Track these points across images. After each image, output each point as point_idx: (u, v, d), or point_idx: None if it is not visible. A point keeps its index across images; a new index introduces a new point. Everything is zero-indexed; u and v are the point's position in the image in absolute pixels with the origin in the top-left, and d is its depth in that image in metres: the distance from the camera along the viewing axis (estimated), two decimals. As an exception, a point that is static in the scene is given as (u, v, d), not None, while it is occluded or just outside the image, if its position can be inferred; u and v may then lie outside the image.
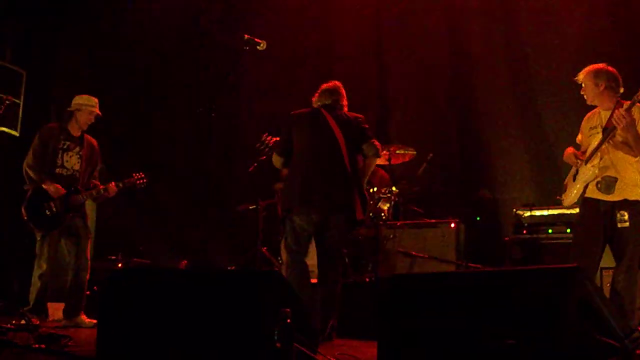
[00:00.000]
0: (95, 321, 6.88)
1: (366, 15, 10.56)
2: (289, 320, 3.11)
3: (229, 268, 8.76)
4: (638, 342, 3.24)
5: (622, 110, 5.34)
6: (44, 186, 6.96)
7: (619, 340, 3.13)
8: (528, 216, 7.57)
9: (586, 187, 5.65)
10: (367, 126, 6.25)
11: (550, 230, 7.39)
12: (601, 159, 5.56)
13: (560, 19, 9.16)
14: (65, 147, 7.17)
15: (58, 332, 5.67)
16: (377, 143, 6.24)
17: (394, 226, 7.91)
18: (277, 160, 6.32)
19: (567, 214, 7.22)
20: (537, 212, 7.55)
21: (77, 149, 7.25)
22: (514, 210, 7.72)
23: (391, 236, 7.80)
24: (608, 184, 5.51)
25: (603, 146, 5.54)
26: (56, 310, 7.41)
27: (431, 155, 8.73)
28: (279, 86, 10.13)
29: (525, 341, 3.04)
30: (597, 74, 5.66)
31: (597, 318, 3.13)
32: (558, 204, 6.65)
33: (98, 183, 7.35)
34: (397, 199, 8.44)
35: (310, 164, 6.02)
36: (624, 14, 8.76)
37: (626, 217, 5.43)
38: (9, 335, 4.97)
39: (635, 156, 5.42)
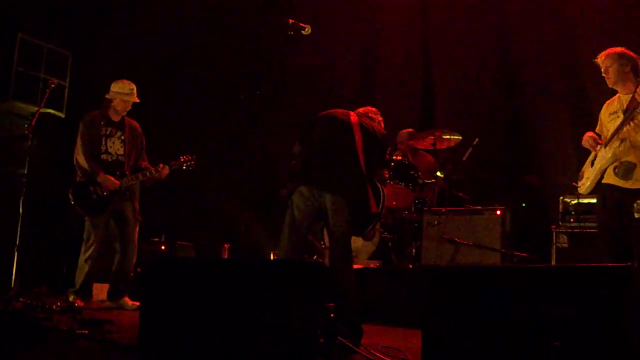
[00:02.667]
0: (138, 304, 6.96)
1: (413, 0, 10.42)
2: (332, 315, 3.07)
3: (271, 252, 8.74)
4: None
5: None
6: (98, 179, 7.02)
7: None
8: (575, 204, 7.42)
9: (604, 173, 5.48)
10: (385, 145, 6.13)
11: (597, 219, 7.21)
12: (622, 141, 5.38)
13: (611, 4, 8.95)
14: (107, 133, 7.24)
15: (102, 315, 5.73)
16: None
17: (439, 212, 7.82)
18: (297, 149, 6.26)
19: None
20: (585, 200, 7.37)
21: (119, 133, 7.31)
22: (561, 197, 7.57)
23: (435, 222, 7.71)
24: (626, 169, 5.30)
25: (624, 129, 5.36)
26: (100, 290, 7.48)
27: (477, 140, 8.58)
28: (323, 72, 10.07)
29: (576, 342, 2.96)
30: (622, 55, 5.55)
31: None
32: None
33: (148, 165, 7.38)
34: (442, 185, 8.36)
35: (318, 150, 5.88)
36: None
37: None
38: (54, 319, 5.01)
39: None
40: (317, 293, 3.40)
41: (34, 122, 7.22)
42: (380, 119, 6.29)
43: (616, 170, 5.36)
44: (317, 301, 3.20)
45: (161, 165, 7.32)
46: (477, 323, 3.40)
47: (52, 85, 7.54)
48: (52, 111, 9.05)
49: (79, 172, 7.15)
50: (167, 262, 4.70)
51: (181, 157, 7.45)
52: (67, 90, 9.69)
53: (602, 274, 3.09)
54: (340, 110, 6.05)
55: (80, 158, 7.11)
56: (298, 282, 3.54)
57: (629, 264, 2.99)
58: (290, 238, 5.76)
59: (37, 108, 7.53)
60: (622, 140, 5.36)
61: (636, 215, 5.23)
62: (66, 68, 9.76)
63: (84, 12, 10.08)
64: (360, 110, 6.24)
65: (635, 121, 5.30)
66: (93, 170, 7.04)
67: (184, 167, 7.45)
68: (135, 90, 7.36)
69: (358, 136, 5.77)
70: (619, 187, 5.36)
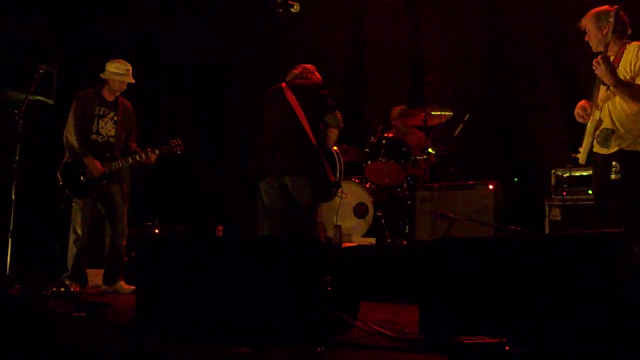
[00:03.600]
0: (134, 287, 6.96)
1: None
2: (329, 288, 3.07)
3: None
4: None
5: (598, 57, 5.11)
6: (84, 161, 6.99)
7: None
8: (567, 177, 7.41)
9: (592, 142, 5.42)
10: (326, 93, 6.26)
11: (590, 191, 7.16)
12: (601, 110, 5.32)
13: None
14: (101, 112, 7.19)
15: (97, 299, 5.74)
16: (338, 114, 6.29)
17: (431, 188, 7.86)
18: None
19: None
20: (577, 173, 7.36)
21: (112, 114, 7.26)
22: (553, 170, 7.54)
23: (428, 198, 7.74)
24: (605, 137, 5.18)
25: (604, 96, 5.28)
26: (95, 276, 7.50)
27: (468, 115, 8.60)
28: (310, 50, 10.03)
29: (572, 309, 2.98)
30: (599, 16, 5.29)
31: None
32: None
33: (137, 148, 7.36)
34: (434, 161, 8.39)
35: (268, 137, 6.15)
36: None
37: (616, 169, 5.12)
38: (49, 303, 5.01)
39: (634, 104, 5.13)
40: (313, 266, 3.41)
41: (23, 108, 7.20)
42: (319, 76, 6.45)
43: (597, 139, 5.30)
44: (314, 275, 3.21)
45: (149, 150, 7.29)
46: (473, 293, 3.42)
47: (41, 71, 7.48)
48: (41, 98, 9.01)
49: (67, 152, 7.10)
50: (163, 242, 4.71)
51: (171, 141, 7.41)
52: (55, 76, 9.64)
53: (593, 241, 3.12)
54: (273, 87, 6.30)
55: (70, 136, 7.05)
56: (294, 256, 3.55)
57: (619, 229, 2.99)
58: (269, 227, 6.01)
59: (25, 95, 7.47)
60: (601, 110, 5.32)
61: (612, 177, 5.16)
62: (54, 54, 9.71)
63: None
64: (295, 71, 6.44)
65: (611, 87, 5.25)
66: (81, 151, 6.99)
67: (174, 151, 7.41)
68: (130, 71, 7.30)
69: (296, 106, 6.04)
70: (602, 154, 5.31)
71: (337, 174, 6.20)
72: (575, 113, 5.57)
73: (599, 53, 5.29)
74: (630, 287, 2.96)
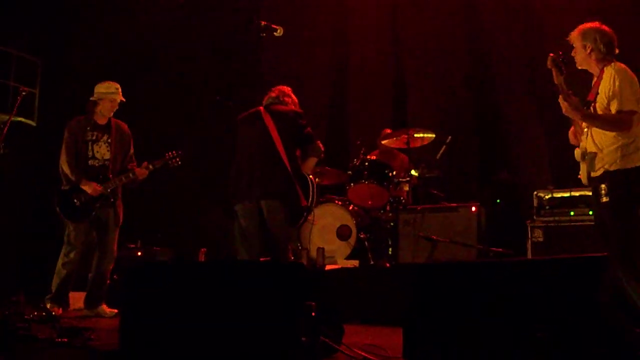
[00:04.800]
0: (116, 311, 6.95)
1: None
2: (313, 314, 3.08)
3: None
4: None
5: (560, 97, 5.18)
6: (81, 187, 6.97)
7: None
8: (549, 198, 7.46)
9: None
10: (304, 122, 6.39)
11: (572, 212, 7.26)
12: (586, 136, 5.35)
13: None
14: (94, 138, 7.17)
15: (79, 323, 5.69)
16: (320, 144, 6.46)
17: (414, 210, 7.88)
18: None
19: (588, 195, 7.05)
20: (558, 194, 7.42)
21: (106, 137, 7.23)
22: (535, 192, 7.57)
23: (411, 221, 7.76)
24: (590, 160, 5.23)
25: (582, 119, 5.29)
26: (77, 299, 7.42)
27: (450, 138, 8.67)
28: (295, 72, 10.08)
29: (557, 333, 3.00)
30: (584, 34, 5.30)
31: (630, 307, 3.07)
32: (580, 185, 6.46)
33: (135, 167, 7.32)
34: (416, 183, 8.42)
35: (244, 160, 6.29)
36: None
37: (604, 191, 5.13)
38: (32, 328, 4.98)
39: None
40: (297, 292, 3.41)
41: (5, 130, 7.17)
42: (295, 99, 6.63)
43: (586, 163, 5.36)
44: (298, 301, 3.21)
45: (144, 165, 7.25)
46: (458, 318, 3.43)
47: (23, 93, 7.47)
48: (23, 119, 8.98)
49: (63, 180, 7.09)
50: (146, 267, 4.70)
51: (167, 154, 7.35)
52: (37, 98, 9.62)
53: (579, 265, 3.14)
54: (252, 110, 6.40)
55: (64, 166, 7.05)
56: (278, 282, 3.55)
57: (605, 254, 3.01)
58: (246, 249, 6.10)
59: (7, 116, 7.44)
60: (587, 134, 5.37)
61: (603, 200, 5.19)
62: (36, 76, 9.70)
63: (53, 19, 10.02)
64: (272, 94, 6.54)
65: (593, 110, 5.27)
66: (76, 178, 6.98)
67: (170, 164, 7.35)
68: (120, 90, 7.28)
69: (274, 131, 6.17)
70: (593, 177, 5.35)
71: (310, 199, 6.28)
72: (570, 139, 5.63)
73: (583, 70, 5.41)
74: (614, 310, 2.99)
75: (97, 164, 7.14)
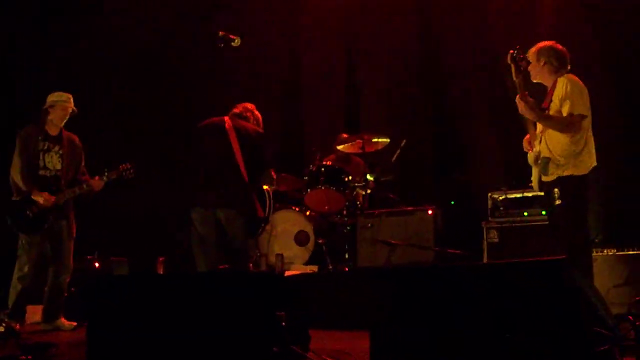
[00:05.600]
0: (75, 323, 6.90)
1: (335, 3, 10.50)
2: (283, 324, 3.11)
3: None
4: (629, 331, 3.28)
5: (517, 97, 5.44)
6: (33, 197, 6.87)
7: (610, 329, 3.18)
8: (503, 199, 7.59)
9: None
10: (265, 145, 6.54)
11: (525, 213, 7.41)
12: (540, 141, 5.61)
13: (532, 2, 9.20)
14: (45, 147, 7.08)
15: (40, 338, 5.66)
16: (272, 173, 6.61)
17: (372, 215, 7.97)
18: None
19: (541, 196, 7.19)
20: (512, 195, 7.56)
21: (57, 147, 7.14)
22: (489, 194, 7.70)
23: (369, 225, 7.85)
24: (544, 165, 5.53)
25: (541, 127, 5.58)
26: (34, 313, 7.33)
27: (404, 141, 8.77)
28: (248, 78, 10.10)
29: (517, 334, 3.07)
30: (540, 50, 5.64)
31: (587, 308, 3.17)
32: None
33: (88, 179, 7.26)
34: (373, 187, 8.50)
35: (203, 168, 6.33)
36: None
37: (557, 194, 5.44)
38: None
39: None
40: (267, 303, 3.45)
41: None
42: (258, 115, 6.75)
43: (539, 167, 5.59)
44: (268, 311, 3.25)
45: (95, 179, 7.19)
46: (423, 322, 3.50)
47: None
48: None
49: (14, 191, 6.99)
50: (112, 281, 4.69)
51: (120, 166, 7.29)
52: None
53: (537, 267, 3.24)
54: (215, 119, 6.45)
55: (15, 176, 6.94)
56: (248, 293, 3.58)
57: (562, 257, 3.11)
58: (204, 255, 6.15)
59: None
60: (540, 140, 5.60)
61: (556, 203, 5.46)
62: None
63: (21, 29, 9.92)
64: (236, 110, 6.61)
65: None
66: (27, 188, 6.89)
67: (123, 175, 7.31)
68: (71, 99, 7.22)
69: (235, 145, 6.30)
70: (546, 182, 5.59)
71: (266, 211, 6.36)
72: (524, 146, 5.85)
73: (537, 83, 5.72)
74: (573, 310, 3.08)
75: (48, 174, 7.06)
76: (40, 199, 6.87)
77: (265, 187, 6.52)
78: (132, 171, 7.33)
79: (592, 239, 6.64)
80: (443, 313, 3.40)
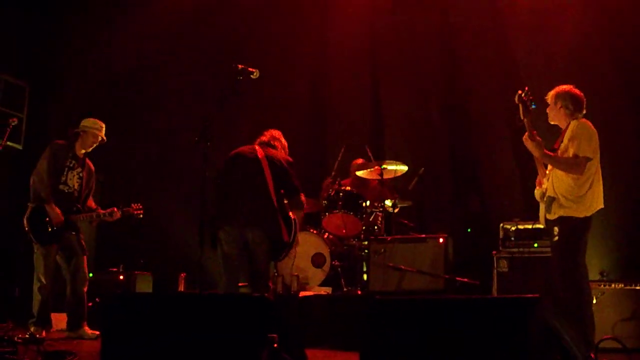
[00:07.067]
0: (98, 332, 7.13)
1: (360, 34, 10.74)
2: (275, 345, 3.37)
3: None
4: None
5: (524, 135, 5.71)
6: (46, 207, 7.15)
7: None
8: (514, 230, 7.76)
9: None
10: (293, 172, 6.72)
11: (535, 244, 7.59)
12: (548, 179, 5.85)
13: (550, 35, 9.36)
14: (71, 165, 7.42)
15: (63, 345, 5.92)
16: (302, 197, 6.80)
17: (384, 241, 8.15)
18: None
19: (549, 229, 7.41)
20: (523, 226, 7.74)
21: (79, 169, 7.50)
22: (501, 224, 7.88)
23: (382, 250, 8.01)
24: (548, 204, 5.80)
25: (550, 167, 5.85)
26: (60, 321, 7.60)
27: (423, 169, 8.99)
28: (274, 111, 10.34)
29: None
30: (558, 94, 5.92)
31: (558, 343, 3.39)
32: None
33: (97, 207, 7.63)
34: (389, 213, 8.70)
35: (234, 189, 6.52)
36: (612, 28, 8.96)
37: (556, 232, 5.70)
38: (18, 352, 5.18)
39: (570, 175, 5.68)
40: (260, 325, 3.70)
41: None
42: (284, 142, 6.97)
43: (544, 205, 5.83)
44: (261, 333, 3.49)
45: (115, 209, 7.53)
46: (407, 350, 3.73)
47: (13, 124, 7.45)
48: (9, 143, 9.17)
49: (31, 195, 7.28)
50: (123, 297, 4.96)
51: (133, 205, 7.69)
52: (24, 122, 9.84)
53: (511, 304, 3.47)
54: (247, 148, 6.69)
55: (40, 182, 7.22)
56: (242, 316, 3.85)
57: (536, 295, 3.34)
58: (226, 274, 6.36)
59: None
60: (548, 179, 5.83)
61: (554, 239, 5.70)
62: (24, 100, 9.90)
63: (42, 44, 10.24)
64: (264, 138, 6.84)
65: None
66: (47, 198, 7.16)
67: (134, 214, 7.70)
68: (104, 129, 7.57)
69: (267, 173, 6.45)
70: (549, 219, 5.81)
71: (292, 236, 6.55)
72: (537, 184, 6.12)
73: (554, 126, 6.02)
74: (544, 348, 3.31)
75: (66, 190, 7.38)
76: (52, 213, 7.15)
77: (291, 214, 6.71)
78: (141, 212, 7.74)
79: (595, 274, 6.82)
80: (423, 343, 3.64)
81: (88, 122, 7.53)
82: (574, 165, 5.64)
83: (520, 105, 5.78)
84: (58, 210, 7.19)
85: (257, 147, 6.71)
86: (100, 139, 7.55)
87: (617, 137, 8.13)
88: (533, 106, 5.71)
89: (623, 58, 8.82)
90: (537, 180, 6.08)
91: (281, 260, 6.79)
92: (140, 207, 7.73)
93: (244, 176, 6.54)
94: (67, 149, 7.45)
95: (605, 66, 8.84)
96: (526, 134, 5.74)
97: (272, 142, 6.86)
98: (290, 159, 6.81)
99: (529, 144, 5.74)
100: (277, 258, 6.71)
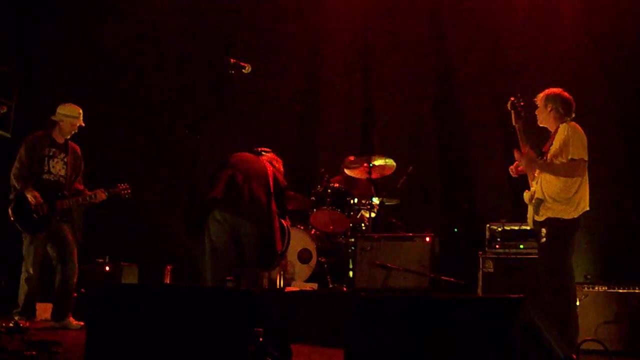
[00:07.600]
0: (82, 323, 7.13)
1: (352, 31, 10.76)
2: (261, 339, 3.38)
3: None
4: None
5: (516, 155, 5.85)
6: (25, 193, 7.13)
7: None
8: (500, 231, 7.79)
9: None
10: (285, 194, 7.08)
11: (521, 246, 7.62)
12: (537, 181, 5.89)
13: (543, 35, 9.39)
14: (51, 154, 7.41)
15: (47, 335, 5.91)
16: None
17: (372, 239, 8.17)
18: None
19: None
20: (509, 227, 7.77)
21: (62, 155, 7.49)
22: (488, 225, 7.91)
23: (368, 248, 8.03)
24: (536, 205, 5.87)
25: (538, 169, 5.88)
26: (44, 310, 7.63)
27: (411, 168, 9.01)
28: (264, 106, 10.36)
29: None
30: (548, 96, 5.96)
31: (540, 343, 3.42)
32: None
33: (84, 189, 7.59)
34: (377, 211, 8.73)
35: (240, 177, 6.59)
36: (604, 31, 9.00)
37: (544, 234, 5.76)
38: (2, 340, 5.18)
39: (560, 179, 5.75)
40: (246, 319, 3.72)
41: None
42: (282, 168, 7.15)
43: (532, 207, 5.88)
44: (246, 327, 3.51)
45: (100, 191, 7.52)
46: (391, 347, 3.75)
47: (2, 112, 7.54)
48: (-2, 131, 9.15)
49: (12, 190, 7.28)
50: (108, 288, 4.98)
51: (119, 185, 7.66)
52: (13, 110, 9.77)
53: (495, 304, 3.51)
54: (251, 155, 6.87)
55: (13, 178, 7.26)
56: (227, 309, 3.88)
57: (520, 295, 3.37)
58: (212, 267, 6.37)
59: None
60: (537, 182, 5.87)
61: (542, 241, 5.74)
62: (13, 88, 9.84)
63: (32, 32, 10.20)
64: (267, 156, 7.05)
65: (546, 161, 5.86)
66: (20, 187, 7.16)
67: (122, 194, 7.67)
68: (82, 115, 7.56)
69: (271, 179, 6.64)
70: (537, 221, 5.86)
71: (284, 245, 6.60)
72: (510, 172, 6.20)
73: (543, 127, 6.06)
74: (526, 348, 3.34)
75: (52, 179, 7.38)
76: (30, 196, 7.12)
77: (284, 222, 6.78)
78: (129, 191, 7.70)
79: (579, 276, 6.87)
80: (408, 341, 3.67)
81: (65, 110, 7.52)
82: (572, 168, 5.72)
83: (512, 112, 5.84)
84: (35, 193, 7.16)
85: (262, 159, 6.80)
86: (78, 125, 7.53)
87: (602, 140, 8.16)
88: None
89: (612, 66, 8.85)
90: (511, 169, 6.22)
91: (272, 270, 6.82)
92: (127, 186, 7.69)
93: (253, 171, 6.66)
94: (44, 138, 7.44)
95: (597, 74, 8.87)
96: (515, 150, 5.80)
97: (273, 162, 6.96)
98: (285, 182, 6.95)
99: (523, 163, 5.84)
100: (268, 267, 6.74)
